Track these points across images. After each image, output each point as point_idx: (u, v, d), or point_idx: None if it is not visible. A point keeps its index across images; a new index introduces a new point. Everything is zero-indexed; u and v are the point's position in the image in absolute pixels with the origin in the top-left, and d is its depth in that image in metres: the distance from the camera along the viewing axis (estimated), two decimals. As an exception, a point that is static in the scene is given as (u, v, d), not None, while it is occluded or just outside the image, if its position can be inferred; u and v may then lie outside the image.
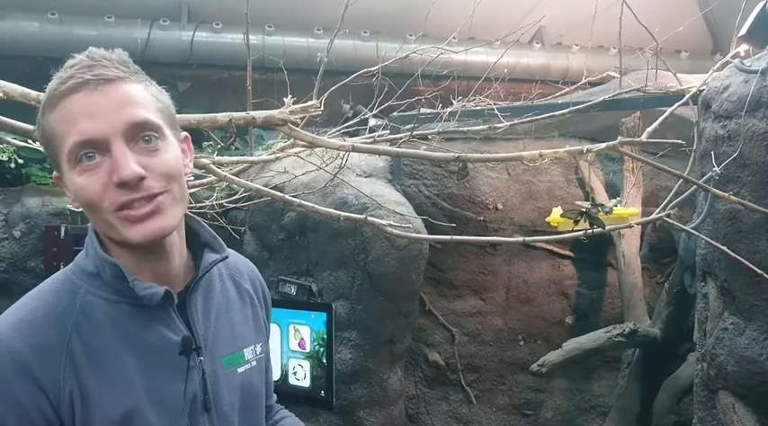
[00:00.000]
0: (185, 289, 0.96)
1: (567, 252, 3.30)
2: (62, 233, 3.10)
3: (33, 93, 1.62)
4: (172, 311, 0.92)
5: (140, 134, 0.86)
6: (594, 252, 3.26)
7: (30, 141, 2.40)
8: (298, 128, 1.77)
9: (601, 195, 3.03)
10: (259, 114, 1.71)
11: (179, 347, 0.91)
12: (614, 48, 3.83)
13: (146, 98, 0.88)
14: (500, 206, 3.16)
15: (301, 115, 1.73)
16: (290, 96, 1.75)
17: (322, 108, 1.81)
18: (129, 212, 0.85)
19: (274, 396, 1.23)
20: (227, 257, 1.02)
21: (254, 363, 1.04)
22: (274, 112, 1.70)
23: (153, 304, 0.89)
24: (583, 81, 2.85)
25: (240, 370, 1.01)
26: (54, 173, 0.91)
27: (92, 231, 0.93)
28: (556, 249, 3.28)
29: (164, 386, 0.89)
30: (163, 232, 0.87)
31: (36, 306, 0.88)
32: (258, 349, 1.06)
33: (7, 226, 3.22)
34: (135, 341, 0.89)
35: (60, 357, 0.84)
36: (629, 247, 2.98)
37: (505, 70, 2.88)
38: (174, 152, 0.90)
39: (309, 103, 1.72)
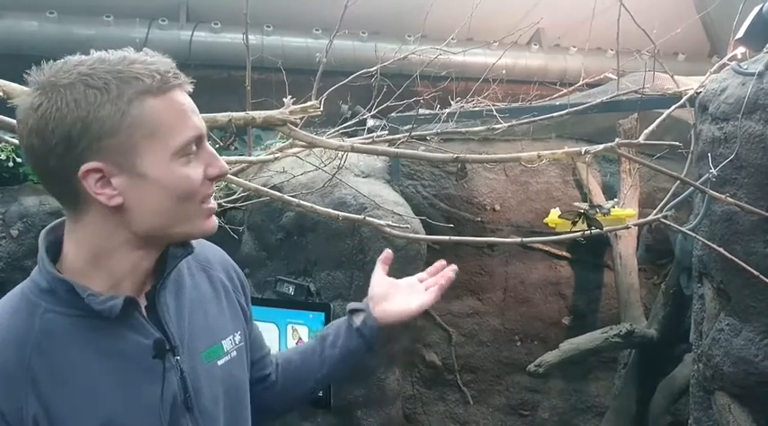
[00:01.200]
0: (152, 289, 0.94)
1: (565, 254, 3.31)
2: (60, 232, 3.10)
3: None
4: (139, 315, 0.91)
5: None
6: (591, 253, 3.27)
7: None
8: (297, 129, 1.78)
9: (598, 196, 3.04)
10: (259, 114, 1.71)
11: (152, 350, 0.90)
12: (612, 50, 3.84)
13: None
14: (498, 207, 3.17)
15: (301, 115, 1.73)
16: (289, 96, 1.75)
17: (321, 108, 1.81)
18: (209, 205, 0.91)
19: (267, 347, 1.22)
20: (191, 251, 0.98)
21: (234, 354, 1.03)
22: (274, 113, 1.71)
23: (113, 316, 0.86)
24: (581, 82, 2.86)
25: (220, 363, 0.99)
26: (91, 164, 0.81)
27: (42, 244, 0.90)
28: (553, 250, 3.29)
29: (139, 392, 0.88)
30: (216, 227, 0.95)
31: None
32: (237, 338, 1.05)
33: (4, 225, 3.21)
34: (102, 353, 0.87)
35: (21, 381, 0.82)
36: (626, 248, 2.99)
37: (504, 71, 2.88)
38: None
39: (309, 104, 1.73)
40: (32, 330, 0.84)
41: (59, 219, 0.92)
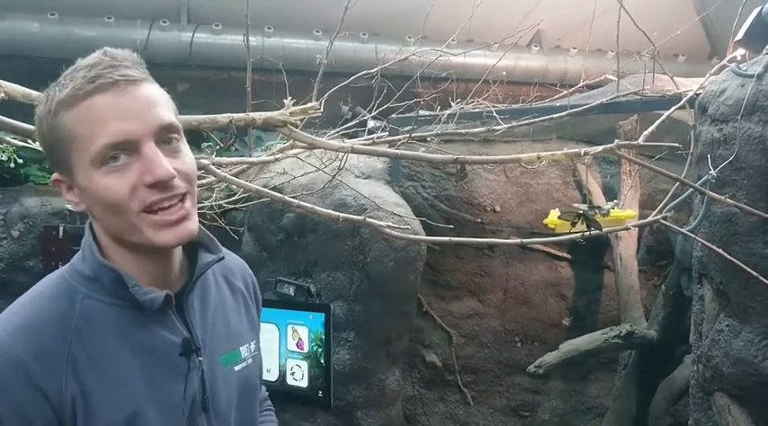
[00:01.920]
0: (181, 290, 0.96)
1: (565, 255, 3.31)
2: (60, 233, 3.11)
3: (35, 93, 1.63)
4: (171, 313, 0.93)
5: (166, 135, 0.86)
6: (592, 254, 3.27)
7: (29, 141, 2.41)
8: (297, 130, 1.78)
9: (598, 197, 3.05)
10: (259, 115, 1.72)
11: (179, 348, 0.92)
12: (612, 51, 3.85)
13: (165, 99, 0.89)
14: (498, 208, 3.17)
15: (301, 116, 1.74)
16: (289, 98, 1.76)
17: (321, 109, 1.82)
18: (161, 216, 0.85)
19: (263, 388, 1.23)
20: (223, 258, 1.02)
21: (249, 360, 1.05)
22: (274, 114, 1.71)
23: (153, 308, 0.89)
24: (581, 84, 2.87)
25: (237, 368, 1.02)
26: (55, 175, 0.89)
27: (89, 233, 0.92)
28: (553, 251, 3.29)
29: (164, 387, 0.90)
30: (191, 235, 0.89)
31: (35, 310, 0.87)
32: (253, 346, 1.07)
33: (6, 225, 3.22)
34: (136, 344, 0.89)
35: (62, 362, 0.84)
36: (626, 249, 2.99)
37: (504, 73, 2.89)
38: (191, 153, 0.91)
39: (309, 105, 1.73)
40: (73, 314, 0.86)
41: None
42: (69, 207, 3.22)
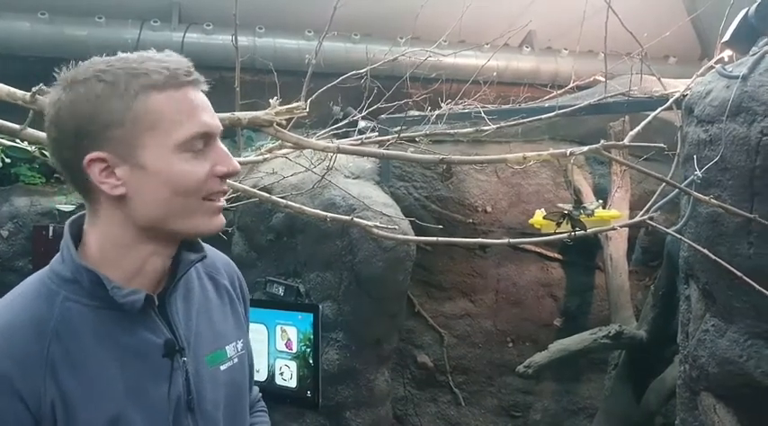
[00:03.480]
0: (164, 290, 0.96)
1: (556, 255, 3.32)
2: (50, 233, 3.09)
3: (20, 92, 1.62)
4: (153, 314, 0.92)
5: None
6: (583, 254, 3.28)
7: (18, 141, 2.40)
8: (284, 130, 1.78)
9: (589, 198, 3.05)
10: (244, 115, 1.72)
11: (162, 349, 0.91)
12: (603, 52, 3.86)
13: None
14: (489, 208, 3.17)
15: (287, 116, 1.73)
16: (276, 97, 1.76)
17: (308, 109, 1.81)
18: (216, 203, 0.92)
19: (256, 389, 1.23)
20: (205, 256, 1.01)
21: (236, 360, 1.04)
22: (260, 113, 1.71)
23: (134, 310, 0.89)
24: (571, 85, 2.87)
25: (223, 368, 1.01)
26: (96, 153, 0.85)
27: (68, 235, 0.92)
28: (545, 252, 3.29)
29: (148, 389, 0.90)
30: (224, 226, 0.95)
31: (12, 313, 0.86)
32: (239, 345, 1.06)
33: (-5, 225, 3.21)
34: (117, 346, 0.89)
35: (40, 366, 0.83)
36: (617, 250, 2.99)
37: (495, 73, 2.89)
38: None
39: (295, 104, 1.73)
40: (51, 317, 0.86)
41: (82, 212, 0.95)
42: (59, 206, 3.22)
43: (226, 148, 0.93)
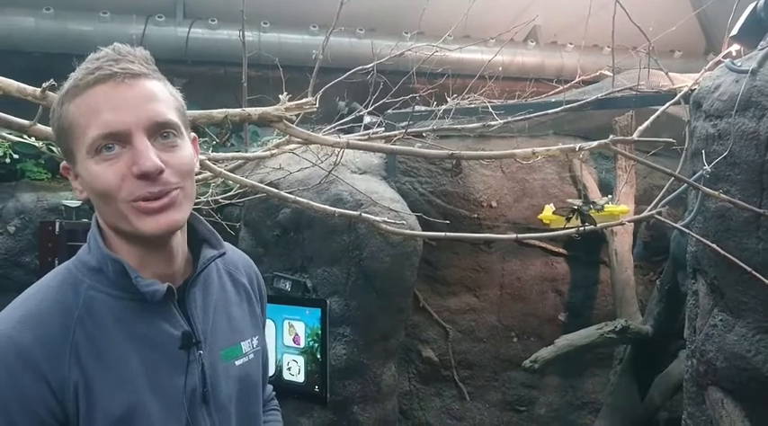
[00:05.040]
0: (184, 284, 0.97)
1: (561, 250, 3.32)
2: (56, 228, 3.10)
3: (30, 88, 1.62)
4: (173, 306, 0.94)
5: (161, 130, 0.88)
6: (587, 249, 3.29)
7: (25, 137, 2.40)
8: (293, 125, 1.78)
9: (594, 193, 3.06)
10: (254, 111, 1.72)
11: (179, 341, 0.93)
12: (608, 47, 3.85)
13: (166, 96, 0.90)
14: (494, 203, 3.18)
15: (296, 112, 1.74)
16: (285, 93, 1.76)
17: (317, 105, 1.82)
18: (145, 203, 0.86)
19: (269, 387, 1.24)
20: (224, 253, 1.03)
21: (251, 356, 1.05)
22: (269, 109, 1.71)
23: (155, 300, 0.90)
24: (577, 79, 2.87)
25: (238, 363, 1.02)
26: (63, 163, 0.92)
27: (95, 226, 0.94)
28: (549, 246, 3.30)
29: (165, 379, 0.91)
30: (176, 225, 0.90)
31: (41, 299, 0.89)
32: (255, 342, 1.08)
33: (2, 221, 3.22)
34: (137, 336, 0.90)
35: (65, 350, 0.85)
36: (622, 245, 3.00)
37: (500, 68, 2.90)
38: (189, 150, 0.92)
39: (304, 100, 1.73)
40: (77, 304, 0.88)
41: None
42: (65, 202, 3.23)
43: (147, 144, 0.85)
